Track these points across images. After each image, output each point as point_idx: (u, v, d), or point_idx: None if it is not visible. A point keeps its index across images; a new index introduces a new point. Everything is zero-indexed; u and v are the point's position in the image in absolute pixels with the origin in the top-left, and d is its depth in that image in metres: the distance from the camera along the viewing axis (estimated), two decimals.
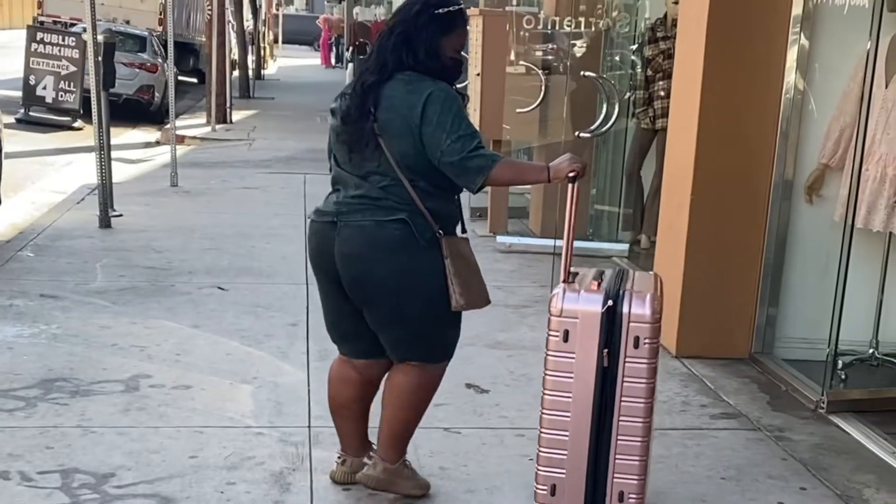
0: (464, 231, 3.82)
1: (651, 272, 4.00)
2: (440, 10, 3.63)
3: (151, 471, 4.12)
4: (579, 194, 3.64)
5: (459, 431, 4.67)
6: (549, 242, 7.53)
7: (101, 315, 6.17)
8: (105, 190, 8.83)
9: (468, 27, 3.78)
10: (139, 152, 13.98)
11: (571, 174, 3.57)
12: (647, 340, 3.50)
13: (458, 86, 3.84)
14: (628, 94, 8.60)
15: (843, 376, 5.37)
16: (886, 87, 5.24)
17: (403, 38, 3.62)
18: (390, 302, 3.69)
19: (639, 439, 3.55)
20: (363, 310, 3.76)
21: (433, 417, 4.75)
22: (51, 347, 5.55)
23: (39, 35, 16.20)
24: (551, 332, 3.57)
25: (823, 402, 5.06)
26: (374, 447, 3.97)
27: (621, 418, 3.54)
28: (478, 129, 3.63)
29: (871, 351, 5.61)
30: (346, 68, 24.21)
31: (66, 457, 4.22)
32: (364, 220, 3.66)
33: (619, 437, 3.55)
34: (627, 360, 3.51)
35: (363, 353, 3.89)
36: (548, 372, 3.60)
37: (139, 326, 5.98)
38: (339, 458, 4.06)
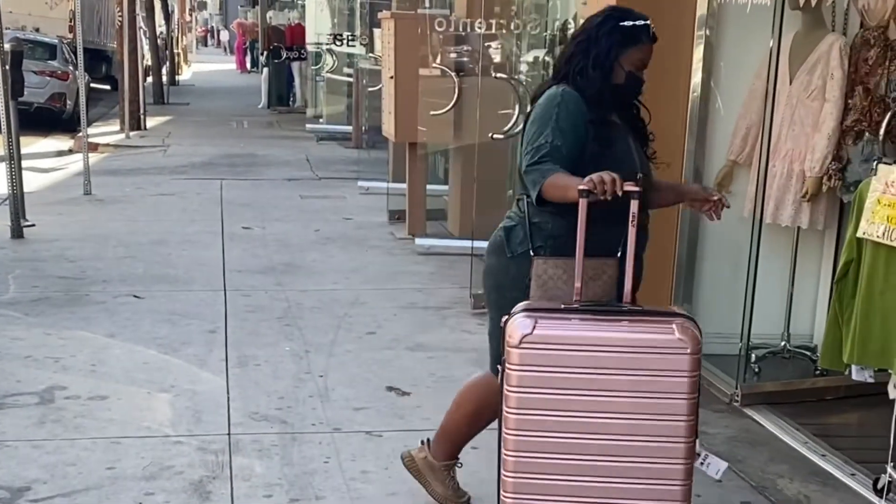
0: (615, 254, 3.45)
1: None
2: (625, 23, 3.52)
3: (68, 483, 4.06)
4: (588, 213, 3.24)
5: (381, 435, 4.67)
6: (468, 244, 7.57)
7: (14, 327, 6.06)
8: (16, 200, 8.66)
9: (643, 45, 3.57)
10: (52, 161, 13.73)
11: (582, 188, 3.20)
12: None
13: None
14: None
15: (756, 369, 5.47)
16: (791, 83, 5.36)
17: (584, 47, 3.54)
18: (486, 299, 3.78)
19: None
20: None
21: (354, 421, 4.77)
22: None
23: None
24: None
25: (738, 396, 5.15)
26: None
27: None
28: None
29: (782, 344, 5.71)
30: (262, 73, 24.04)
31: None
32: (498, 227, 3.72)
33: None
34: None
35: None
36: None
37: (53, 337, 5.88)
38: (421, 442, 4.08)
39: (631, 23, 3.50)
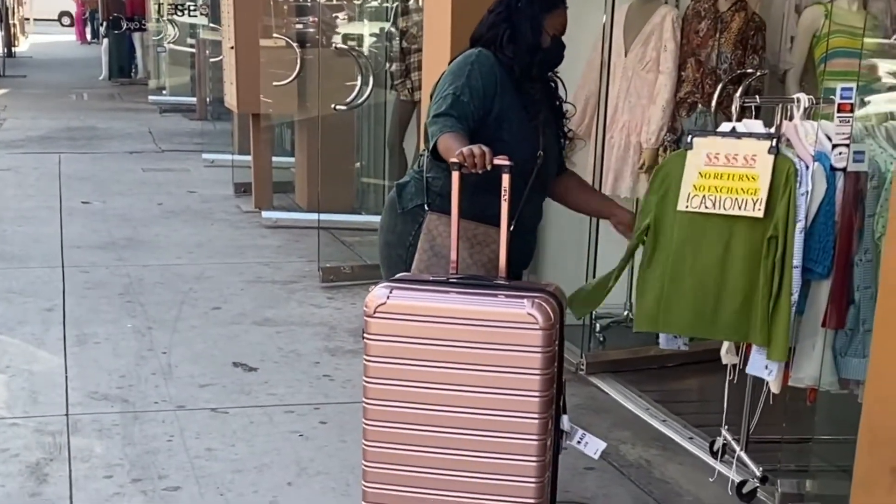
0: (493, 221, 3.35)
1: None
2: None
3: None
4: (459, 188, 3.21)
5: (227, 411, 4.61)
6: (315, 217, 7.51)
7: None
8: None
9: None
10: None
11: (453, 160, 3.16)
12: None
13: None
14: (387, 65, 8.65)
15: (601, 339, 5.59)
16: (626, 55, 5.46)
17: (505, 16, 3.52)
18: (379, 260, 3.70)
19: None
20: None
21: (199, 398, 4.70)
22: None
23: None
24: None
25: (583, 364, 5.25)
26: None
27: None
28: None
29: (626, 313, 5.83)
30: (102, 43, 23.34)
31: None
32: None
33: None
34: None
35: None
36: None
37: None
38: None
39: None
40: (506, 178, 3.16)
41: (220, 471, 4.04)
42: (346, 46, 8.22)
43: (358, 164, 9.29)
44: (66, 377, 4.89)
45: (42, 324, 5.66)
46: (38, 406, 4.56)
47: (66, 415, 4.48)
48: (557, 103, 3.72)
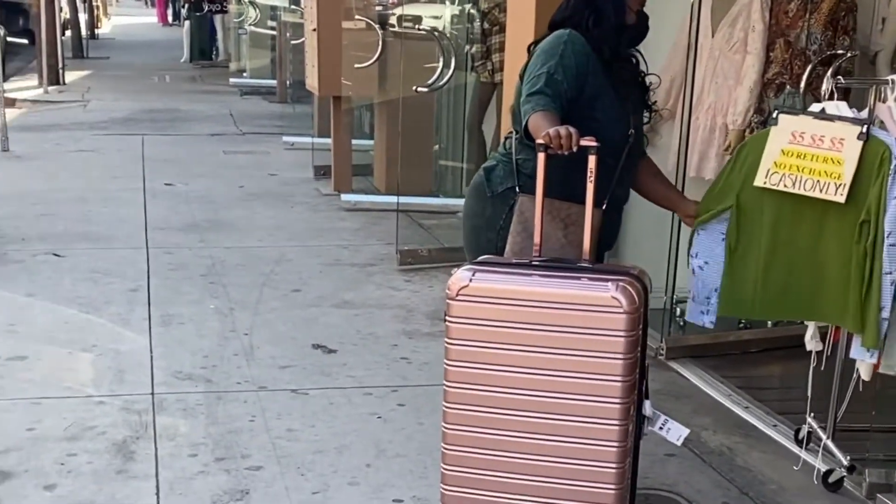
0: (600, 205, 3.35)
1: None
2: None
3: None
4: (546, 166, 3.16)
5: (307, 392, 4.64)
6: (394, 200, 7.53)
7: None
8: None
9: None
10: None
11: (539, 142, 3.13)
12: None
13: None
14: (467, 47, 8.63)
15: (681, 323, 5.52)
16: (713, 36, 5.38)
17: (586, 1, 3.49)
18: (464, 246, 3.70)
19: None
20: None
21: (280, 380, 4.74)
22: None
23: None
24: None
25: (663, 349, 5.20)
26: None
27: None
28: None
29: None
30: (183, 26, 23.62)
31: None
32: None
33: None
34: None
35: None
36: None
37: None
38: None
39: None
40: (592, 160, 3.11)
41: (301, 451, 4.07)
42: (427, 28, 8.20)
43: (436, 147, 9.28)
44: (152, 357, 4.96)
45: (127, 304, 5.75)
46: (125, 385, 4.63)
47: (152, 394, 4.54)
48: (641, 78, 3.67)
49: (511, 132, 3.57)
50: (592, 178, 3.13)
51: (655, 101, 3.77)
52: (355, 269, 6.64)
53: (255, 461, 3.95)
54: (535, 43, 3.60)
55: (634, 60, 3.66)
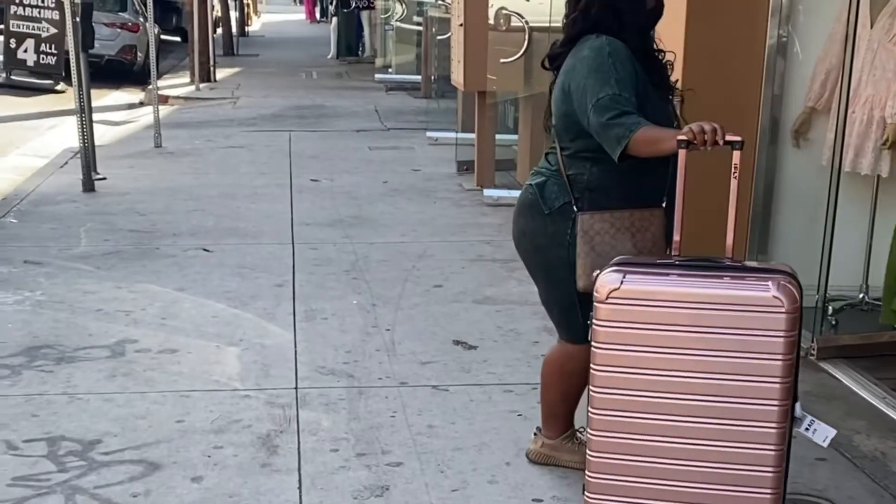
0: (660, 203, 3.45)
1: None
2: None
3: (138, 436, 4.09)
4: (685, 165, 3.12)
5: (447, 389, 4.63)
6: None
7: (86, 280, 6.12)
8: (88, 153, 8.74)
9: None
10: (123, 114, 13.86)
11: (681, 138, 3.07)
12: None
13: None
14: None
15: (833, 322, 5.33)
16: (871, 27, 5.17)
17: (603, 4, 3.45)
18: (525, 265, 3.73)
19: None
20: None
21: (421, 375, 4.74)
22: (35, 314, 5.50)
23: None
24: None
25: (814, 349, 5.03)
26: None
27: None
28: (609, 89, 3.28)
29: (860, 296, 5.57)
30: (331, 22, 23.99)
31: (52, 424, 4.18)
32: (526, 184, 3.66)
33: None
34: None
35: None
36: None
37: (124, 291, 5.93)
38: (534, 434, 4.03)
39: None
40: (737, 155, 3.02)
41: (441, 448, 4.06)
42: None
43: None
44: (296, 351, 5.03)
45: (273, 298, 5.84)
46: (270, 379, 4.70)
47: (296, 388, 4.60)
48: (665, 69, 3.61)
49: (553, 147, 3.54)
50: (737, 175, 3.04)
51: (676, 80, 3.69)
52: (497, 265, 6.61)
53: (395, 457, 3.96)
54: (553, 58, 3.57)
55: (659, 54, 3.59)
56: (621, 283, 2.97)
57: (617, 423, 3.04)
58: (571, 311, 3.60)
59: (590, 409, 3.06)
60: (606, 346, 3.01)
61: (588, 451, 3.10)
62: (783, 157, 5.59)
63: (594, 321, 3.02)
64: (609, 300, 2.98)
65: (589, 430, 3.08)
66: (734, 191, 3.05)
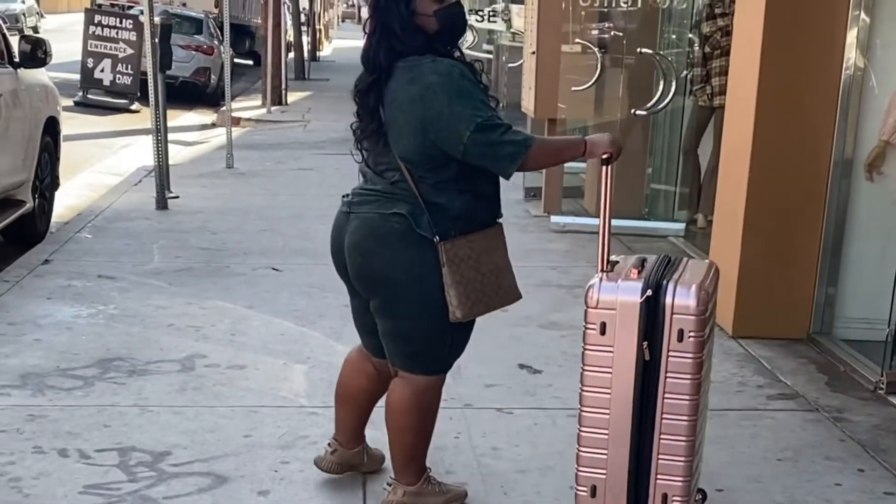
0: (496, 219, 3.56)
1: (706, 260, 3.88)
2: None
3: (206, 449, 4.16)
4: (611, 178, 3.40)
5: (512, 412, 4.65)
6: None
7: (158, 296, 6.23)
8: (162, 172, 8.90)
9: None
10: (195, 134, 14.09)
11: (605, 156, 3.32)
12: (691, 333, 3.21)
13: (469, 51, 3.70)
14: (685, 71, 8.51)
15: None
16: None
17: (381, 29, 3.44)
18: (386, 297, 3.50)
19: (683, 439, 3.28)
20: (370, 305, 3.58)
21: (486, 398, 4.76)
22: (108, 328, 5.61)
23: (97, 18, 16.38)
24: (588, 325, 3.38)
25: (883, 383, 4.98)
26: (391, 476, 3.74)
27: (664, 416, 3.28)
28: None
29: None
30: None
31: (124, 435, 4.26)
32: (370, 212, 3.48)
33: (662, 437, 3.29)
34: (670, 353, 3.24)
35: (381, 351, 3.66)
36: (585, 367, 3.43)
37: (195, 307, 6.03)
38: (329, 445, 3.93)
39: None
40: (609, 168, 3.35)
41: (505, 470, 4.07)
42: (650, 51, 8.12)
43: (649, 170, 9.18)
44: None
45: (340, 318, 5.86)
46: None
47: None
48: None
49: (400, 176, 3.41)
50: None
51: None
52: (563, 291, 6.62)
53: (459, 478, 3.98)
54: (361, 91, 3.57)
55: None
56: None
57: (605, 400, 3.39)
58: (439, 340, 3.53)
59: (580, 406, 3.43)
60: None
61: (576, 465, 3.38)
62: (856, 190, 5.56)
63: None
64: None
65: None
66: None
